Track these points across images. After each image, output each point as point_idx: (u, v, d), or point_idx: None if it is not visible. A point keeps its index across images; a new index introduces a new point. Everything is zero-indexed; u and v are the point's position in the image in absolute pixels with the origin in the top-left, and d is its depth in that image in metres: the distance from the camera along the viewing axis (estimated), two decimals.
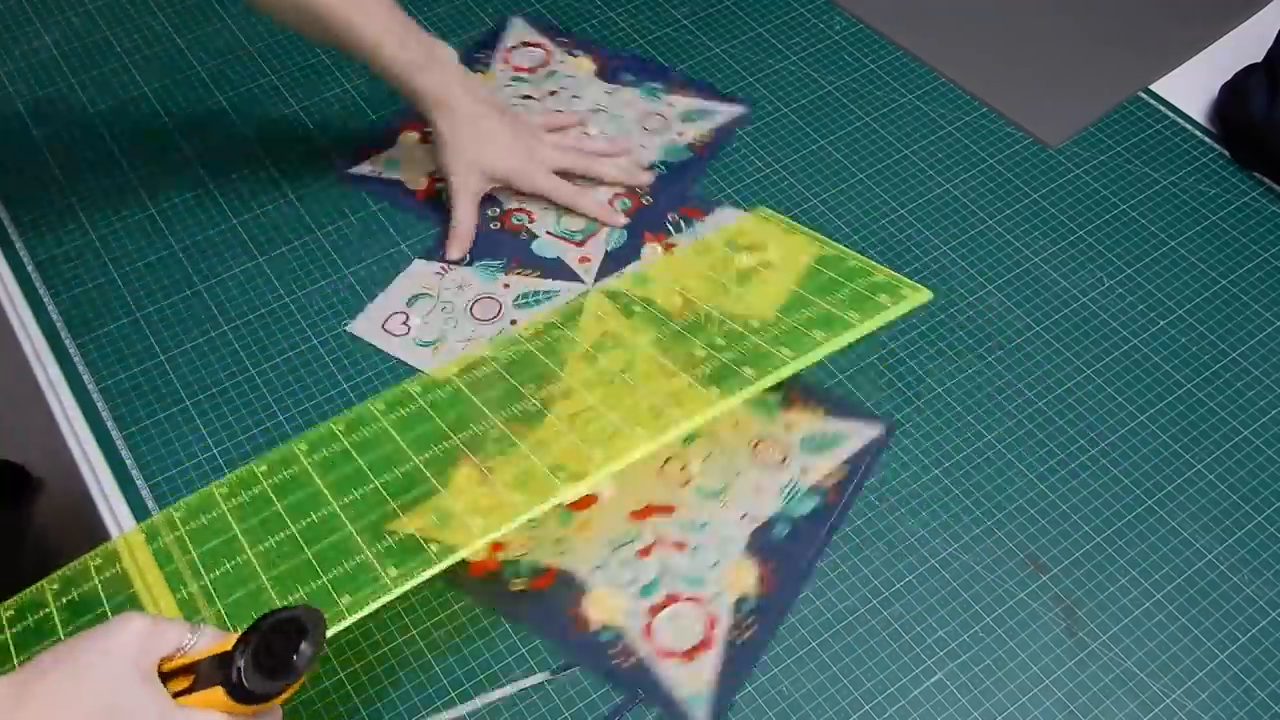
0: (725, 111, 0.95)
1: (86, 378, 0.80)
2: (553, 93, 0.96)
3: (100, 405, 0.79)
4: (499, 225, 0.88)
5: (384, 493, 0.67)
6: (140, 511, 0.74)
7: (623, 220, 0.87)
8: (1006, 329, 0.82)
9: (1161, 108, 0.96)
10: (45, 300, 0.85)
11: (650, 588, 0.70)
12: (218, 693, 0.51)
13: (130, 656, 0.50)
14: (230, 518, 0.68)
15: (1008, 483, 0.74)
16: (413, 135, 0.94)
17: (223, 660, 0.52)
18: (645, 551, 0.71)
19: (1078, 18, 1.03)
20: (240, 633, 0.52)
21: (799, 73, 0.99)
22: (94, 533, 0.75)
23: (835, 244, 0.81)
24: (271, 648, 0.52)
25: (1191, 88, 0.97)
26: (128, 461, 0.76)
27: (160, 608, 0.63)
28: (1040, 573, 0.71)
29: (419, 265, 0.86)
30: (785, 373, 0.68)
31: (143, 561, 0.67)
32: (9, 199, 0.91)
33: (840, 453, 0.76)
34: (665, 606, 0.69)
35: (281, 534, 0.66)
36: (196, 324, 0.83)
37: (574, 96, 0.96)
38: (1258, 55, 0.93)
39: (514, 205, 0.89)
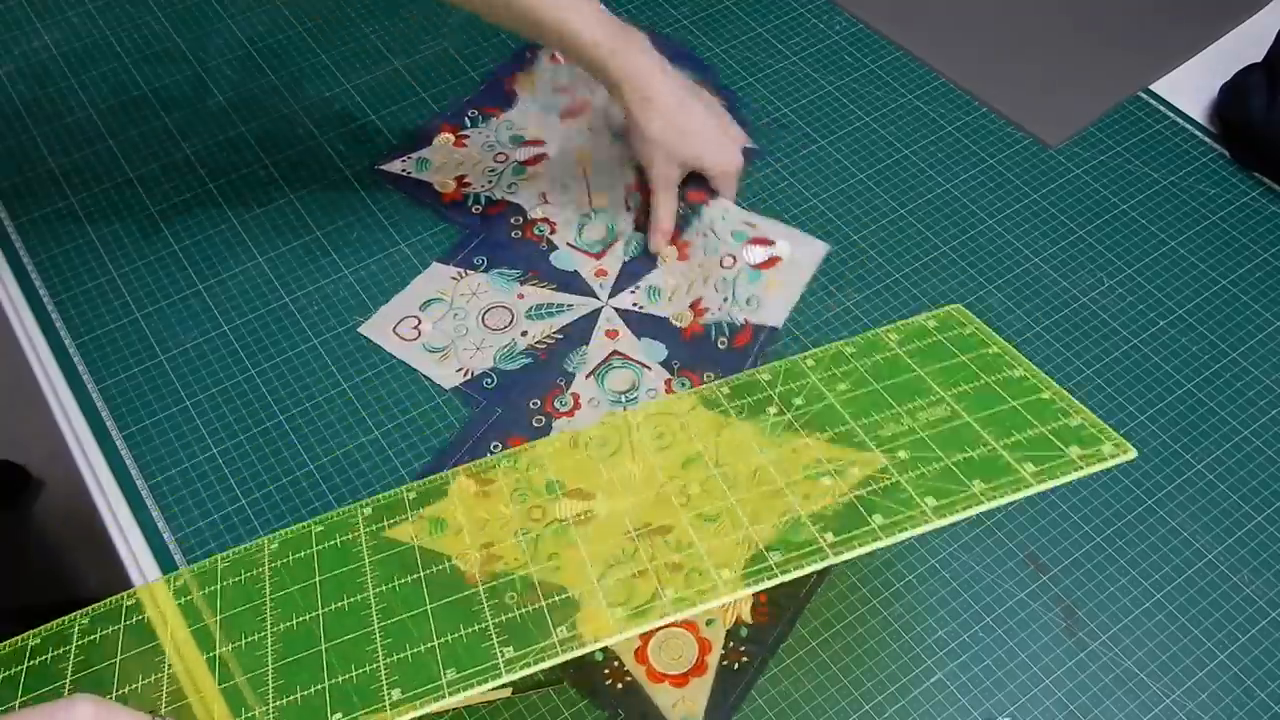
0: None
1: (86, 378, 0.81)
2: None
3: (100, 405, 0.79)
4: (520, 234, 0.87)
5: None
6: (140, 511, 0.74)
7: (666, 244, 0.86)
8: (1006, 329, 0.82)
9: (1161, 108, 0.96)
10: (45, 300, 0.85)
11: (645, 610, 0.58)
12: None
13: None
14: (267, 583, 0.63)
15: None
16: (447, 137, 0.94)
17: None
18: (641, 573, 0.59)
19: (1078, 18, 1.03)
20: None
21: (799, 73, 0.99)
22: (94, 533, 0.75)
23: (1031, 366, 0.66)
24: None
25: (1191, 88, 0.97)
26: (127, 461, 0.76)
27: (187, 665, 0.61)
28: (1040, 573, 0.71)
29: (437, 268, 0.86)
30: (919, 531, 0.57)
31: (168, 613, 0.64)
32: (9, 199, 0.91)
33: (840, 484, 0.61)
34: (659, 630, 0.68)
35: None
36: (196, 324, 0.83)
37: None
38: (1258, 55, 0.93)
39: (539, 215, 0.88)
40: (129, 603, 0.64)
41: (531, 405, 0.78)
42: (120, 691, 0.60)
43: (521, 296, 0.84)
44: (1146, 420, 0.77)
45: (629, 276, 0.85)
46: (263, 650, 0.60)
